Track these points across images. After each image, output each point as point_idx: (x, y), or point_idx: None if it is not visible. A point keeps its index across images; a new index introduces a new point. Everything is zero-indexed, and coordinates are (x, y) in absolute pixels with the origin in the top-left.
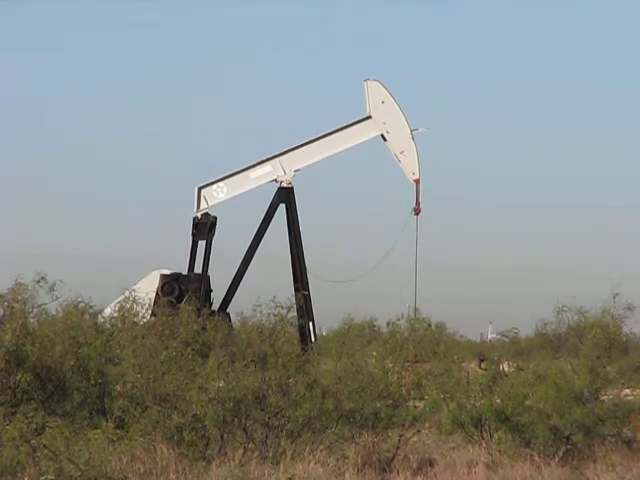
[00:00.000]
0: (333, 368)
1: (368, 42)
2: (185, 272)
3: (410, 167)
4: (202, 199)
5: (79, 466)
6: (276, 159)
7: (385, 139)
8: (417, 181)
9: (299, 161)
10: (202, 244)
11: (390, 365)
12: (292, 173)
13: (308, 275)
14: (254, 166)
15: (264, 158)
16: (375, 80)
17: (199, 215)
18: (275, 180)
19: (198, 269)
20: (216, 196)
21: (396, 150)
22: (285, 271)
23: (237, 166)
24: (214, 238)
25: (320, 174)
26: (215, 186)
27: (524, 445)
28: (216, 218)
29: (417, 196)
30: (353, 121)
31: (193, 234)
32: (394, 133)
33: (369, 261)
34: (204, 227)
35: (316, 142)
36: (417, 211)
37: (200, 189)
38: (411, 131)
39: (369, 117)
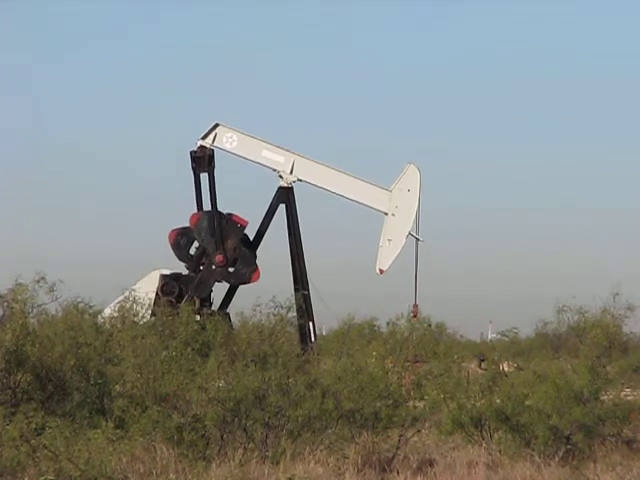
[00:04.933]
0: (333, 368)
1: (368, 41)
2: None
3: (384, 257)
4: (211, 135)
5: (79, 466)
6: (293, 156)
7: (385, 215)
8: (381, 272)
9: (308, 175)
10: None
11: (390, 365)
12: (294, 178)
13: (308, 279)
14: (273, 146)
15: (287, 148)
16: (417, 168)
17: (196, 149)
18: (276, 171)
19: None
20: (224, 142)
21: (387, 234)
22: (285, 271)
23: (237, 167)
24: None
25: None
26: (230, 133)
27: (524, 445)
28: (213, 151)
29: (415, 298)
30: (376, 183)
31: (193, 168)
32: (396, 221)
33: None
34: (202, 160)
35: (334, 172)
36: (414, 314)
37: (217, 125)
38: (410, 232)
39: (389, 191)
